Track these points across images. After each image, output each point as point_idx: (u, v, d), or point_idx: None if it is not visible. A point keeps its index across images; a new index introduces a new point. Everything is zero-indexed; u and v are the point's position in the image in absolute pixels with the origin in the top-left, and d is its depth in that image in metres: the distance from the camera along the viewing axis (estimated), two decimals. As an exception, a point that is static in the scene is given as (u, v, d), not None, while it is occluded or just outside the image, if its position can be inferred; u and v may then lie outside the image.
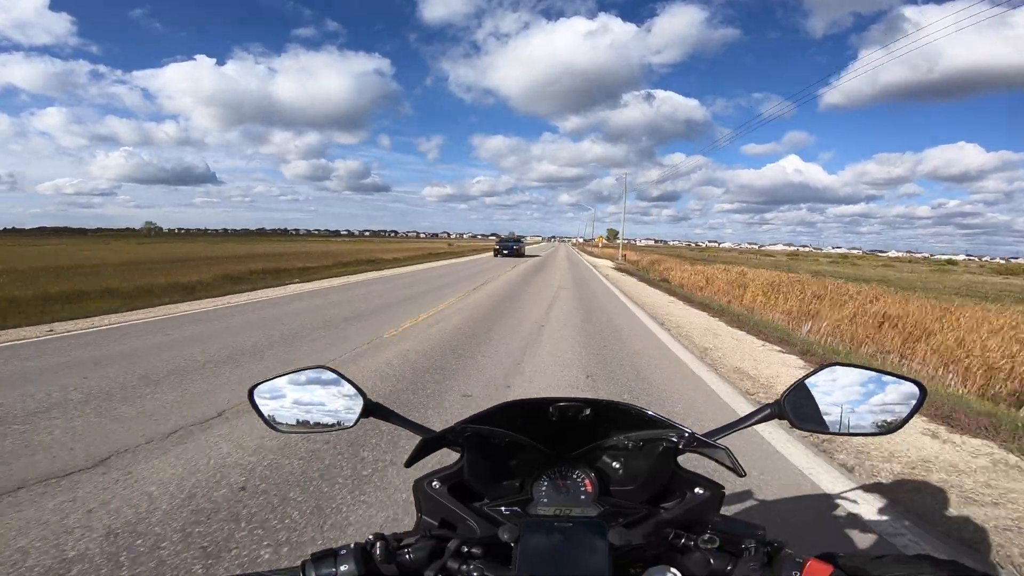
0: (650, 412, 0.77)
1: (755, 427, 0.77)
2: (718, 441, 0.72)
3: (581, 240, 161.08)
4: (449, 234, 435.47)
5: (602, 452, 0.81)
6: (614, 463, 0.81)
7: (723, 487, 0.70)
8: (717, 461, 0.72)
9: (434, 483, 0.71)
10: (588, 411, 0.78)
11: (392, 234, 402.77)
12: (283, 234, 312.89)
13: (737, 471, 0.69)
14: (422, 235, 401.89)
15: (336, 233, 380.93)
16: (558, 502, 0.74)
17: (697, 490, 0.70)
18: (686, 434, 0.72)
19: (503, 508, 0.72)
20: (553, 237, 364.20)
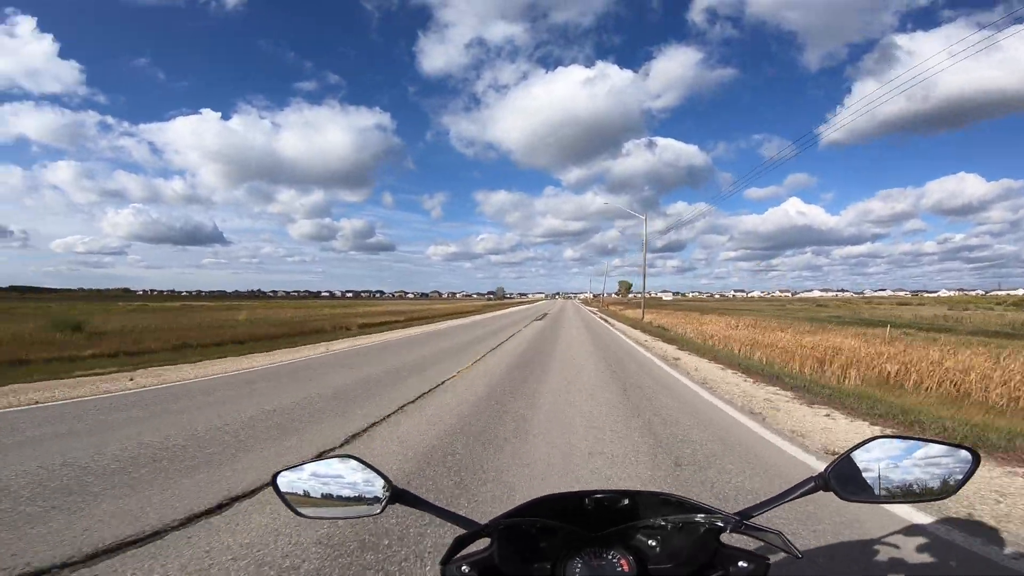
0: (692, 500, 0.80)
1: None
2: (767, 524, 0.74)
3: (591, 296, 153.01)
4: (440, 293, 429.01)
5: (637, 531, 0.82)
6: (650, 541, 0.81)
7: (768, 560, 0.72)
8: (769, 543, 0.73)
9: (464, 568, 0.74)
10: (625, 501, 0.82)
11: (379, 295, 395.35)
12: (259, 296, 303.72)
13: (792, 553, 0.70)
14: (410, 295, 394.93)
15: (317, 295, 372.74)
16: None
17: (741, 563, 0.72)
18: (732, 519, 0.75)
19: None
20: (557, 293, 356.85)
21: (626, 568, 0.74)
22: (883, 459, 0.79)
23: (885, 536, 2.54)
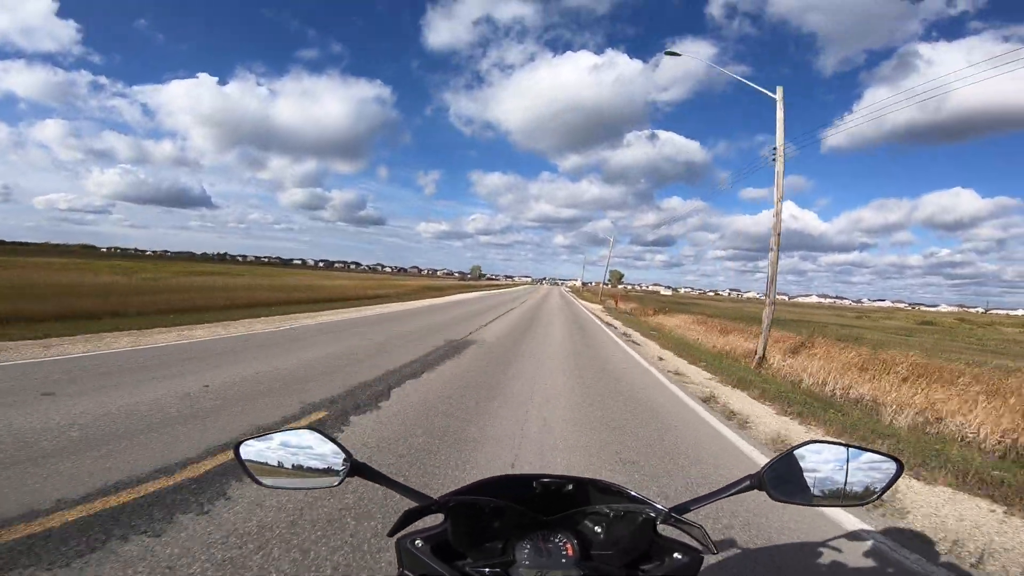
0: (630, 491, 0.86)
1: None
2: (693, 518, 0.79)
3: (580, 284, 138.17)
4: (420, 269, 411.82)
5: (584, 517, 0.87)
6: (596, 528, 0.86)
7: (702, 553, 0.76)
8: (692, 536, 0.79)
9: (417, 542, 0.77)
10: (570, 486, 0.87)
11: (353, 267, 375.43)
12: (226, 260, 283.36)
13: (709, 549, 0.75)
14: (387, 269, 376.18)
15: (288, 262, 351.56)
16: (540, 565, 0.78)
17: (676, 555, 0.77)
18: (664, 511, 0.80)
19: (486, 570, 0.77)
20: (544, 279, 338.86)
21: (570, 552, 0.79)
22: (816, 463, 0.83)
23: (823, 539, 2.68)
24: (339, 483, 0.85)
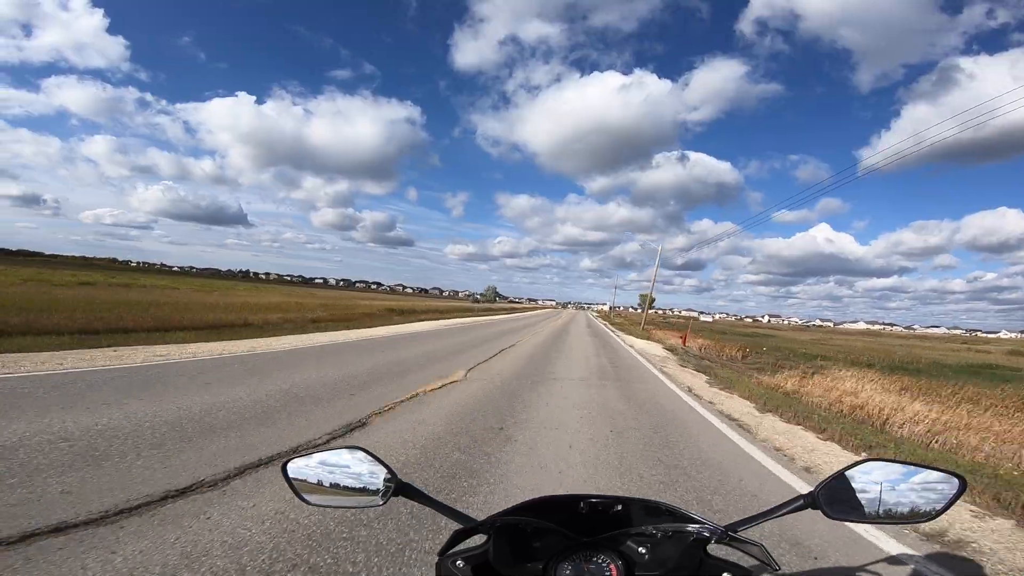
0: (682, 509, 0.84)
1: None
2: (751, 536, 0.78)
3: (608, 309, 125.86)
4: (441, 291, 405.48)
5: (627, 537, 0.84)
6: (640, 549, 0.84)
7: (754, 573, 0.77)
8: (751, 556, 0.78)
9: (458, 563, 0.78)
10: (619, 507, 0.85)
11: (375, 287, 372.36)
12: (247, 278, 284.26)
13: (771, 566, 0.74)
14: (408, 289, 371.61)
15: (310, 281, 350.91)
16: None
17: (724, 574, 0.77)
18: (719, 529, 0.78)
19: None
20: (569, 303, 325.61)
21: (614, 573, 0.77)
22: (871, 481, 0.81)
23: (868, 562, 2.57)
24: (384, 503, 0.85)
